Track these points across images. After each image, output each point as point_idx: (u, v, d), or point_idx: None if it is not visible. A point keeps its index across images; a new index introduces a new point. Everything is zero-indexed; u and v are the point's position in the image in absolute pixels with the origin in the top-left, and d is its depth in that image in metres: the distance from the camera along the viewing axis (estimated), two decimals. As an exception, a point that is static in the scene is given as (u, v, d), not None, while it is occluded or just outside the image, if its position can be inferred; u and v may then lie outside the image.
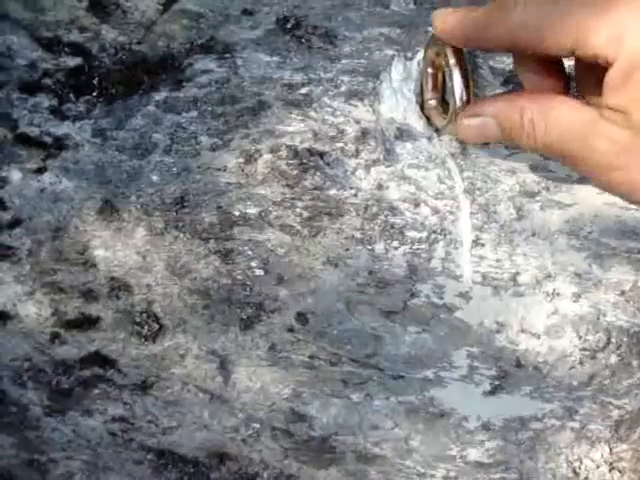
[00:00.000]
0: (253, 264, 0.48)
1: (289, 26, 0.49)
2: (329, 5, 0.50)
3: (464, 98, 0.44)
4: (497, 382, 0.49)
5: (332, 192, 0.47)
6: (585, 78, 0.40)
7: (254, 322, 0.48)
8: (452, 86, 0.44)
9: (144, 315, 0.49)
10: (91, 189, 0.49)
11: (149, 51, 0.50)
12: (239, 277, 0.48)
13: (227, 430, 0.51)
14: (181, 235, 0.48)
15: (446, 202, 0.48)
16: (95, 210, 0.49)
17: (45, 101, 0.49)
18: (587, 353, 0.48)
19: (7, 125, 0.49)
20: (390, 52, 0.49)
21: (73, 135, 0.49)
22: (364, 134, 0.48)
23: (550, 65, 0.41)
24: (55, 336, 0.50)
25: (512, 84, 0.48)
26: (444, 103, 0.46)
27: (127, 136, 0.49)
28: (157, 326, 0.49)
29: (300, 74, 0.49)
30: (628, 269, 0.48)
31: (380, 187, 0.47)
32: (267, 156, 0.47)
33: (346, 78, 0.48)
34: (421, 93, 0.48)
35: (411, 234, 0.47)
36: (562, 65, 0.41)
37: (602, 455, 0.50)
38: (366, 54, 0.49)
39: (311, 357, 0.49)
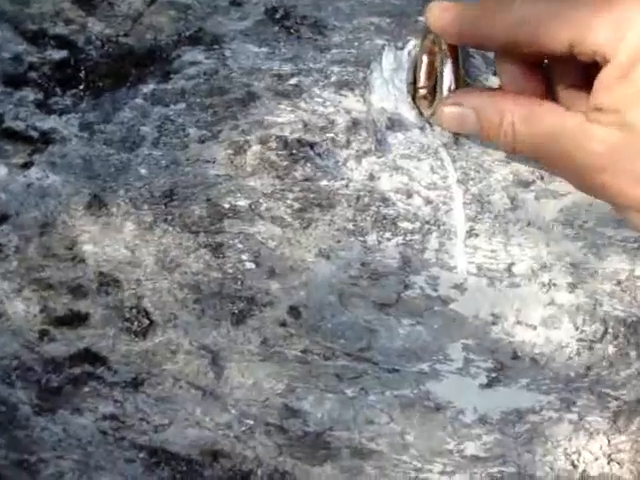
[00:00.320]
0: (244, 257, 0.47)
1: (278, 16, 0.49)
2: (318, -5, 0.50)
3: (452, 89, 0.43)
4: (493, 374, 0.48)
5: (323, 183, 0.47)
6: (562, 84, 0.41)
7: (246, 316, 0.48)
8: (442, 76, 0.43)
9: (134, 311, 0.48)
10: (79, 183, 0.48)
11: (136, 43, 0.49)
12: (230, 271, 0.47)
13: (220, 427, 0.50)
14: (170, 229, 0.47)
15: (439, 192, 0.47)
16: (83, 205, 0.48)
17: (31, 95, 0.49)
18: (584, 344, 0.48)
19: (-8, 120, 0.49)
20: (380, 42, 0.48)
21: (60, 129, 0.48)
22: (355, 124, 0.47)
23: (533, 68, 0.41)
24: (44, 333, 0.49)
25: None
26: (435, 92, 0.46)
27: (115, 129, 0.48)
28: (147, 322, 0.48)
29: (289, 64, 0.48)
30: (624, 258, 0.47)
31: (372, 178, 0.47)
32: (256, 147, 0.47)
33: (336, 68, 0.48)
34: (413, 83, 0.48)
35: (404, 225, 0.47)
36: (544, 69, 0.41)
37: (600, 447, 0.49)
38: (356, 44, 0.48)
39: (304, 351, 0.48)
